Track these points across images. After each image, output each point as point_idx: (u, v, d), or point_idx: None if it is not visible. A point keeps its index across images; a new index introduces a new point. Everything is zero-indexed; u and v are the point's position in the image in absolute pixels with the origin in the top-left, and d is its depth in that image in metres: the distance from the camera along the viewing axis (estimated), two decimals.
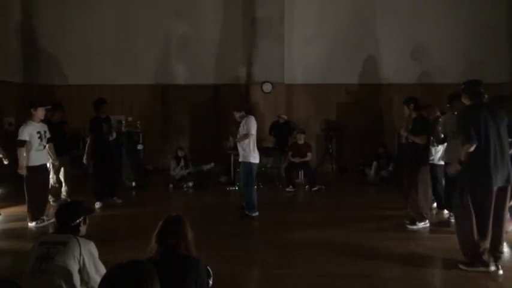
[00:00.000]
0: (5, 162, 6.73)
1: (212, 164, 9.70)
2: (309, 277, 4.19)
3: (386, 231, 5.74)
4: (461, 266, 4.28)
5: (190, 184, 9.02)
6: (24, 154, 5.93)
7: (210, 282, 2.80)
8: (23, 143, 5.89)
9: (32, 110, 6.07)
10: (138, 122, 9.66)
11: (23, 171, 5.92)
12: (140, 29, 11.54)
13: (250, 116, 6.53)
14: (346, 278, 4.16)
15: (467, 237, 4.22)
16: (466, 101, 4.41)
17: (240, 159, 6.57)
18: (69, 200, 6.60)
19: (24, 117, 6.43)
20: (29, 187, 6.04)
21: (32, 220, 6.02)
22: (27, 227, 6.00)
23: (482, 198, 4.12)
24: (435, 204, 6.70)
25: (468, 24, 11.07)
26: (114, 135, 7.51)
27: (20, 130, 5.97)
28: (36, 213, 6.03)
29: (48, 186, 6.61)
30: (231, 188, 8.89)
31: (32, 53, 11.49)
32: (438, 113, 6.59)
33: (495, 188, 4.11)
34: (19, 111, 10.57)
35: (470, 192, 4.15)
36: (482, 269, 4.17)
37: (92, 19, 11.52)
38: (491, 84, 10.30)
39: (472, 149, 4.09)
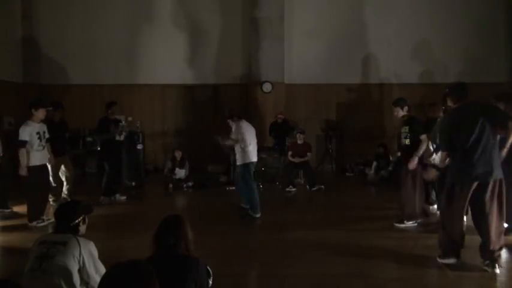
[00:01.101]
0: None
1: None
2: (309, 277, 4.19)
3: (386, 231, 5.73)
4: (438, 259, 4.41)
5: (190, 184, 9.03)
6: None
7: (210, 282, 2.80)
8: (24, 143, 5.90)
9: (32, 110, 6.06)
10: (138, 122, 9.67)
11: (24, 172, 5.90)
12: (140, 29, 11.54)
13: (239, 121, 6.58)
14: (346, 278, 4.16)
15: (452, 233, 4.31)
16: (450, 104, 4.51)
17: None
18: (69, 200, 6.61)
19: (23, 117, 6.44)
20: (29, 187, 6.05)
21: (31, 220, 6.03)
22: (27, 227, 6.00)
23: (464, 192, 4.18)
24: (435, 206, 6.69)
25: (468, 23, 11.09)
26: (122, 137, 7.63)
27: (20, 130, 5.97)
28: (35, 213, 6.04)
29: (49, 186, 6.62)
30: (230, 188, 8.89)
31: (32, 52, 11.49)
32: (441, 113, 6.57)
33: (475, 184, 4.13)
34: (19, 111, 10.57)
35: (460, 190, 4.18)
36: (450, 260, 4.33)
37: (92, 19, 11.52)
38: (491, 84, 10.35)
39: (441, 155, 4.43)
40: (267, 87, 10.94)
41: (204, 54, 11.53)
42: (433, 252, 4.89)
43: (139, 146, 9.39)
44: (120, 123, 7.63)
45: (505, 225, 5.33)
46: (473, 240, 4.83)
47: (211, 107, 11.66)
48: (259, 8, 10.95)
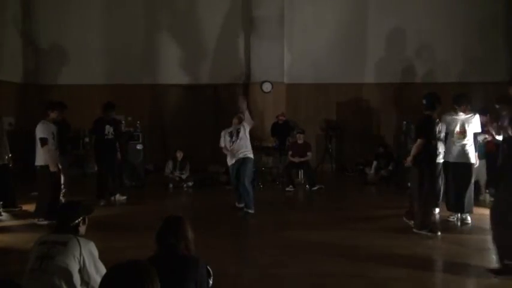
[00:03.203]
0: (10, 165, 6.87)
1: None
2: (309, 277, 4.19)
3: (386, 231, 5.73)
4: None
5: (190, 184, 9.04)
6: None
7: (210, 282, 2.80)
8: (46, 140, 6.07)
9: (49, 111, 6.26)
10: (138, 122, 9.66)
11: (55, 168, 6.11)
12: (139, 29, 11.54)
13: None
14: (346, 277, 4.16)
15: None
16: None
17: (246, 155, 6.74)
18: (63, 200, 6.65)
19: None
20: (41, 186, 6.20)
21: (35, 216, 6.13)
22: (30, 226, 6.01)
23: None
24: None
25: (468, 23, 11.08)
26: (110, 135, 7.60)
27: (38, 129, 6.14)
28: (44, 211, 6.08)
29: (59, 185, 6.62)
30: (230, 188, 8.89)
31: (32, 53, 11.48)
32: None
33: None
34: (19, 111, 10.57)
35: None
36: None
37: (92, 19, 11.51)
38: (491, 83, 10.35)
39: None
40: (267, 87, 10.94)
41: (204, 54, 11.53)
42: (433, 252, 4.90)
43: (139, 146, 9.39)
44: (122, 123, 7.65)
45: None
46: (474, 241, 4.87)
47: (211, 107, 11.65)
48: (259, 8, 10.94)
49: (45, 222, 6.02)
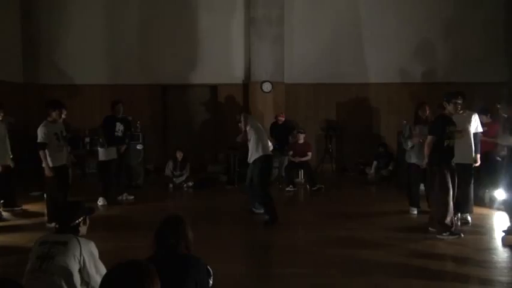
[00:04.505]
0: (11, 165, 6.81)
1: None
2: (309, 277, 4.19)
3: (386, 231, 5.73)
4: None
5: (190, 184, 9.04)
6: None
7: (210, 282, 2.80)
8: (42, 145, 5.89)
9: (50, 110, 6.07)
10: (138, 122, 9.66)
11: (50, 173, 5.91)
12: (139, 29, 11.53)
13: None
14: (346, 277, 4.16)
15: None
16: None
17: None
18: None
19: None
20: (49, 188, 6.05)
21: (50, 221, 5.93)
22: (31, 226, 6.01)
23: None
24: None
25: (467, 23, 11.08)
26: (120, 132, 7.64)
27: (38, 131, 5.95)
28: (53, 214, 5.97)
29: (67, 187, 6.42)
30: (231, 188, 8.90)
31: (32, 53, 11.48)
32: (427, 112, 6.52)
33: None
34: (19, 111, 10.55)
35: None
36: None
37: (92, 19, 11.50)
38: (491, 83, 10.35)
39: None
40: (266, 86, 10.94)
41: (204, 54, 11.52)
42: (433, 251, 4.90)
43: (139, 146, 9.40)
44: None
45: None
46: (474, 240, 4.82)
47: (211, 107, 11.66)
48: (259, 8, 10.94)
49: (53, 225, 5.95)
